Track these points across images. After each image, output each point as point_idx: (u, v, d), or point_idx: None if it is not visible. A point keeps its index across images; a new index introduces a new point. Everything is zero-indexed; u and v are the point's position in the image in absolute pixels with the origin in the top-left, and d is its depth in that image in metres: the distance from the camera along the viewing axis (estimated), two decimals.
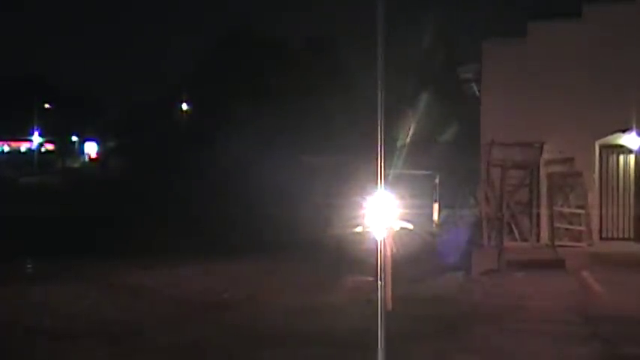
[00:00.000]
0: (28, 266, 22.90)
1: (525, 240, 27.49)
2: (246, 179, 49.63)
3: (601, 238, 27.61)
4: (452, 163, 31.29)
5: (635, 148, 27.90)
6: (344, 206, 29.24)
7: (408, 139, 30.50)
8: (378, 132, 13.32)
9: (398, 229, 25.44)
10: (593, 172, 28.10)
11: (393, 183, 24.58)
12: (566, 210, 27.84)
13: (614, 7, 27.81)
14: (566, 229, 27.56)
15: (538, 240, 27.65)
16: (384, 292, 17.05)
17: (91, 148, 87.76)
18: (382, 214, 25.17)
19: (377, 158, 18.94)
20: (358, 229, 27.94)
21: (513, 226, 27.86)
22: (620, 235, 27.81)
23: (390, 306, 16.47)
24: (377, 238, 23.81)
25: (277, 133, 59.31)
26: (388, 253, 21.11)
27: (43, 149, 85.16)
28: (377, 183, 23.41)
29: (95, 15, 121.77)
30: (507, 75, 28.19)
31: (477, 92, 30.49)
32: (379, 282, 13.35)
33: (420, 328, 15.10)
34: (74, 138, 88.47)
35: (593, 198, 27.87)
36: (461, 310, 17.83)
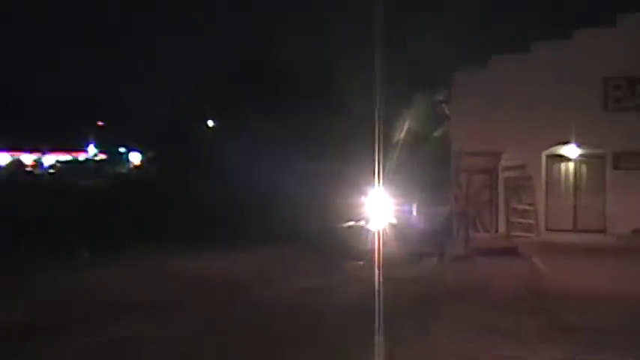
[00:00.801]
0: (84, 253, 22.90)
1: (487, 231, 27.78)
2: (260, 183, 49.68)
3: (547, 229, 27.92)
4: (428, 169, 31.39)
5: (573, 157, 28.27)
6: (339, 205, 29.35)
7: (396, 150, 30.56)
8: (376, 144, 13.45)
9: (386, 223, 25.58)
10: (541, 176, 28.39)
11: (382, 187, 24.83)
12: (519, 207, 28.11)
13: (557, 45, 28.11)
14: (519, 222, 27.86)
15: (497, 231, 27.93)
16: (378, 273, 17.32)
17: (135, 157, 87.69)
18: (375, 211, 25.51)
19: (374, 167, 19.08)
20: (350, 224, 28.10)
21: (477, 220, 28.08)
22: (562, 227, 28.02)
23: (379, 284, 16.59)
24: (370, 231, 24.09)
25: (286, 145, 59.43)
26: (379, 242, 21.33)
27: (97, 158, 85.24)
28: (372, 186, 23.57)
29: (128, 43, 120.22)
30: (473, 98, 28.45)
31: (447, 112, 30.68)
32: (376, 268, 13.47)
33: (402, 303, 15.14)
34: (122, 149, 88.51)
35: (540, 197, 28.19)
36: (435, 289, 17.91)
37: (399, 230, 26.29)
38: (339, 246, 23.63)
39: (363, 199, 27.11)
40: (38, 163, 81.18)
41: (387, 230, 25.21)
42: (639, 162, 27.67)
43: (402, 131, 31.76)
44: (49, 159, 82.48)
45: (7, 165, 77.66)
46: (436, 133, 32.90)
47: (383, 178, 24.39)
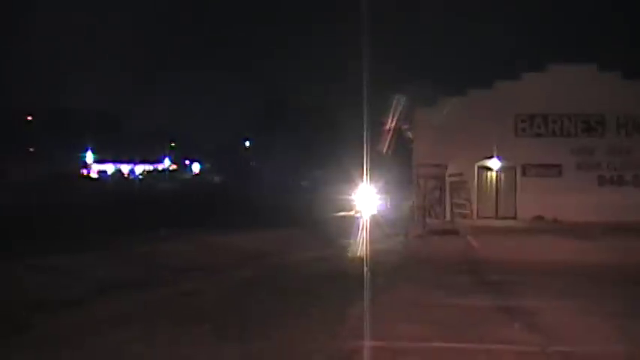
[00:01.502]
0: (162, 232, 22.75)
1: (437, 218, 27.94)
2: (283, 185, 49.94)
3: (478, 217, 28.25)
4: (398, 175, 31.48)
5: (495, 167, 28.66)
6: (336, 200, 29.46)
7: (377, 161, 30.60)
8: (364, 157, 13.66)
9: (369, 212, 25.73)
10: (474, 180, 28.68)
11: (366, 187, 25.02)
12: (459, 202, 28.40)
13: (484, 91, 28.50)
14: (459, 212, 28.13)
15: (444, 218, 28.13)
16: (366, 247, 17.52)
17: (195, 167, 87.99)
18: (362, 204, 25.49)
19: (362, 173, 19.08)
20: (343, 213, 28.24)
21: (431, 210, 28.29)
22: (488, 215, 28.47)
23: (363, 255, 16.80)
24: (358, 218, 24.06)
25: (298, 157, 59.69)
26: (364, 226, 21.49)
27: (170, 168, 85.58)
28: (360, 187, 23.46)
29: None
30: (428, 127, 28.73)
31: (411, 135, 30.89)
32: (366, 243, 13.58)
33: (379, 267, 15.14)
34: (187, 162, 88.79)
35: (473, 195, 28.50)
36: (402, 257, 18.11)
37: (378, 217, 26.46)
38: (335, 229, 23.55)
39: (353, 195, 27.31)
40: (131, 172, 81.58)
41: (370, 218, 25.36)
42: (538, 171, 28.29)
43: (381, 148, 31.94)
44: (138, 169, 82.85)
45: (112, 173, 78.14)
46: (403, 150, 33.06)
47: (367, 181, 24.63)
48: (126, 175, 79.70)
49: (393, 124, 31.79)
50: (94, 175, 76.08)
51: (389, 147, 32.15)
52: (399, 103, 30.71)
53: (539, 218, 27.41)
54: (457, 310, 11.32)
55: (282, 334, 9.91)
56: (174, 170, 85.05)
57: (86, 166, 77.77)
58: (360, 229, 21.56)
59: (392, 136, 32.11)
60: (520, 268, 15.75)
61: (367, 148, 23.15)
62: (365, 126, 25.79)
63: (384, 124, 31.79)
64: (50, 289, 13.18)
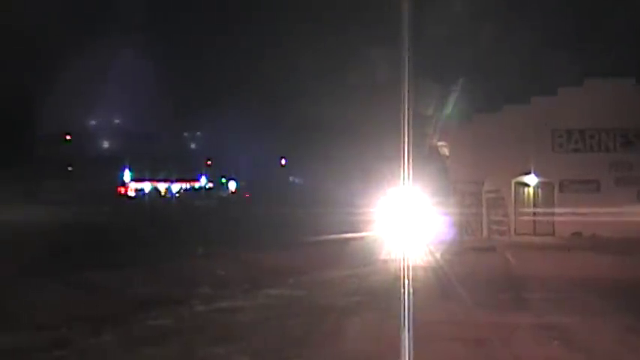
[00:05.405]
0: (199, 249, 22.86)
1: (474, 235, 27.76)
2: (314, 201, 49.80)
3: (515, 233, 27.98)
4: (435, 192, 31.23)
5: (532, 183, 28.42)
6: (369, 217, 29.25)
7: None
8: (403, 173, 13.63)
9: (405, 230, 25.44)
10: (511, 197, 28.44)
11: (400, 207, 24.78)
12: (496, 218, 28.19)
13: (520, 107, 28.32)
14: (496, 229, 27.89)
15: (481, 235, 27.92)
16: (402, 264, 17.32)
17: (232, 185, 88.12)
18: (398, 221, 25.09)
19: (398, 188, 18.97)
20: (378, 232, 28.02)
21: (468, 227, 28.12)
22: (525, 232, 28.14)
23: (399, 273, 16.65)
24: (395, 236, 23.67)
25: (331, 175, 59.68)
26: (400, 243, 21.27)
27: (207, 186, 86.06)
28: (396, 203, 23.24)
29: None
30: (463, 143, 28.64)
31: (447, 152, 30.76)
32: (402, 260, 13.42)
33: (416, 285, 15.01)
34: (223, 179, 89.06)
35: (510, 211, 28.23)
36: (440, 274, 18.04)
37: (414, 234, 26.18)
38: (370, 246, 23.37)
39: (388, 212, 27.12)
40: (168, 190, 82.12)
41: (406, 234, 25.08)
42: (576, 187, 27.98)
43: (418, 164, 31.77)
44: (175, 187, 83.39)
45: (149, 191, 78.74)
46: (439, 167, 32.89)
47: (403, 198, 24.46)
48: (163, 193, 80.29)
49: (429, 140, 31.72)
50: (131, 193, 76.77)
51: (425, 165, 32.03)
52: (434, 118, 30.64)
53: (578, 234, 27.08)
54: (496, 327, 11.28)
55: (317, 352, 9.92)
56: (210, 188, 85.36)
57: (124, 184, 78.53)
58: (396, 246, 21.45)
59: (427, 152, 32.03)
60: (558, 285, 15.62)
61: (405, 164, 23.04)
62: (405, 145, 25.59)
63: (420, 142, 31.74)
64: (88, 305, 13.41)
